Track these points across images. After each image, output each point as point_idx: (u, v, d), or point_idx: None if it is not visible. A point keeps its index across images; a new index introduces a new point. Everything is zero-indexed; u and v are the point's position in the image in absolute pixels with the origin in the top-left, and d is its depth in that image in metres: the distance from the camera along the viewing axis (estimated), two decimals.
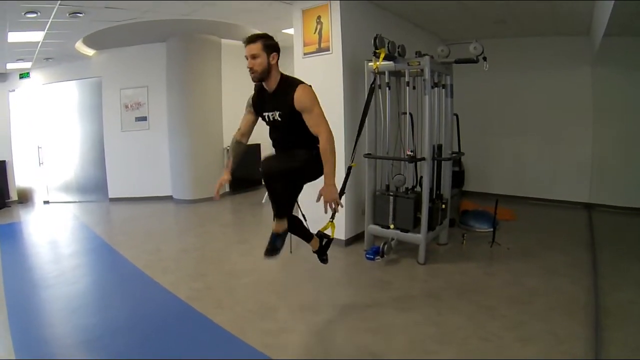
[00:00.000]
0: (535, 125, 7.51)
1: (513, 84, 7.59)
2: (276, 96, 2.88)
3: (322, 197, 2.82)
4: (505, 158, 7.94)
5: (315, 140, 2.89)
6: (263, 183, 3.06)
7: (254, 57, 2.77)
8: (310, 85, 2.86)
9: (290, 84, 2.84)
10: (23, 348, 3.26)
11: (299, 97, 2.77)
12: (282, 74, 2.89)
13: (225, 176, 3.22)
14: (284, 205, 3.10)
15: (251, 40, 2.79)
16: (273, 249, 3.16)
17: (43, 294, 4.33)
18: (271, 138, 3.13)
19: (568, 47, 7.00)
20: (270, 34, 2.92)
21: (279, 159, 3.05)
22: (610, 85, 6.68)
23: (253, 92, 3.07)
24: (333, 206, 2.84)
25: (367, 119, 4.74)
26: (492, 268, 4.74)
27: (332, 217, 3.76)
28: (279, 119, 2.89)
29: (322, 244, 3.60)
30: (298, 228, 3.40)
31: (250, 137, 8.87)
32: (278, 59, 2.85)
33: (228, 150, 3.24)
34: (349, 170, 4.18)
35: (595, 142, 6.94)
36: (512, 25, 6.66)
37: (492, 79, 7.00)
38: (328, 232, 3.61)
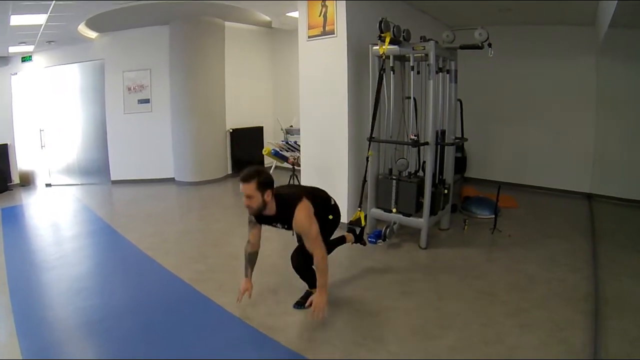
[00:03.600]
0: (538, 114, 7.46)
1: (517, 72, 7.52)
2: (278, 216, 3.09)
3: (312, 304, 3.02)
4: (507, 145, 7.91)
5: (324, 207, 3.31)
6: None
7: (249, 196, 2.91)
8: (306, 206, 3.00)
9: (288, 206, 3.00)
10: (25, 330, 3.28)
11: (297, 223, 2.97)
12: (277, 198, 3.03)
13: (247, 285, 3.40)
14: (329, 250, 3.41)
15: (245, 179, 2.90)
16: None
17: (45, 276, 4.36)
18: None
19: (573, 37, 6.91)
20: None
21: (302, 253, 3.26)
22: (614, 76, 6.60)
23: None
24: (320, 315, 2.99)
25: (377, 108, 4.76)
26: (493, 254, 4.76)
27: (360, 205, 4.56)
28: (287, 228, 3.11)
29: (357, 235, 4.11)
30: (332, 245, 3.75)
31: (253, 120, 8.85)
32: (272, 194, 2.97)
33: (244, 257, 3.46)
34: (367, 159, 4.79)
35: (598, 133, 6.89)
36: (517, 13, 6.59)
37: (496, 66, 6.96)
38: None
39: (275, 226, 3.19)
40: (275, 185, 3.04)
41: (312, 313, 2.98)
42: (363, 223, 4.40)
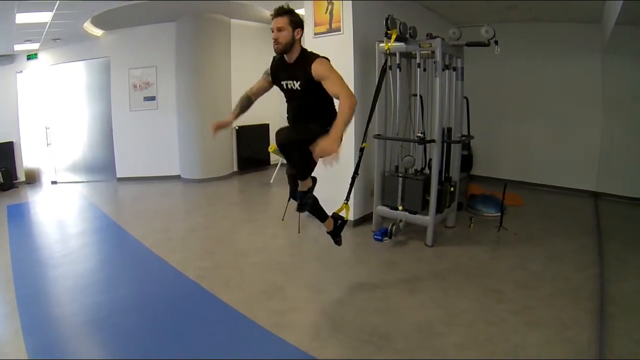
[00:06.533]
0: (544, 112, 7.41)
1: (523, 69, 7.49)
2: (295, 67, 2.96)
3: (318, 147, 2.53)
4: (513, 143, 7.88)
5: (329, 117, 2.92)
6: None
7: (280, 29, 2.86)
8: (328, 59, 2.92)
9: (309, 56, 2.93)
10: (31, 327, 3.29)
11: (316, 67, 2.84)
12: (302, 48, 2.98)
13: (229, 119, 3.39)
14: (303, 169, 3.20)
15: (279, 13, 2.86)
16: (302, 204, 3.36)
17: (51, 273, 4.37)
18: (288, 108, 3.21)
19: (579, 34, 6.85)
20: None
21: (292, 130, 3.13)
22: (620, 74, 6.55)
23: (272, 61, 3.14)
24: (329, 160, 2.60)
25: (377, 100, 4.73)
26: (499, 252, 4.74)
27: (347, 199, 3.92)
28: (298, 87, 2.98)
29: (337, 225, 3.73)
30: (314, 206, 3.49)
31: (259, 117, 8.89)
32: (302, 35, 2.95)
33: (239, 99, 3.38)
34: (361, 151, 4.29)
35: (604, 131, 6.84)
36: (523, 10, 6.55)
37: (502, 63, 6.94)
38: (342, 214, 3.76)
39: (286, 87, 3.06)
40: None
41: (316, 155, 2.63)
42: (346, 217, 4.04)
